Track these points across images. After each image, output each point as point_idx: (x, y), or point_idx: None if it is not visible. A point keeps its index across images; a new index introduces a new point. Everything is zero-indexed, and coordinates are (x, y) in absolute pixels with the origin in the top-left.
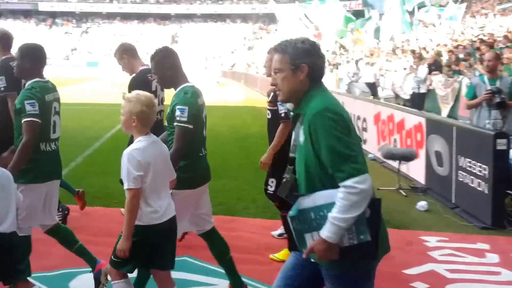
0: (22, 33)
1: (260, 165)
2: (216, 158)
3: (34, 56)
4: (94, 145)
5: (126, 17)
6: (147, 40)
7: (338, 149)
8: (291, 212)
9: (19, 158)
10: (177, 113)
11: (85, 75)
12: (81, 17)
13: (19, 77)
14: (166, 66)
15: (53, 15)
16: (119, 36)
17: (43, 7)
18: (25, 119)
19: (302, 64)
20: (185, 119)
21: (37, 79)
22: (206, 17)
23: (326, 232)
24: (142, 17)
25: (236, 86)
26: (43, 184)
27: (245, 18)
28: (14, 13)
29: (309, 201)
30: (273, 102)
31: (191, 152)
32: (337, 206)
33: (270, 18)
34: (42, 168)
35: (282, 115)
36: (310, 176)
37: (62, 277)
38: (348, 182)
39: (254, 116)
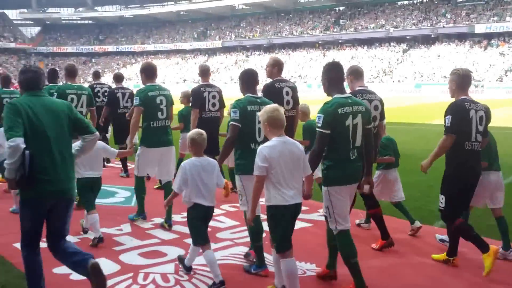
0: (456, 56)
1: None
2: None
3: (245, 79)
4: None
5: None
6: None
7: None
8: None
9: (222, 153)
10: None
11: None
12: None
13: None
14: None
15: (488, 36)
16: None
17: (479, 29)
18: (230, 123)
19: None
20: (319, 125)
21: (248, 94)
22: None
23: None
24: None
25: None
26: None
27: None
28: (450, 37)
29: None
30: None
31: (336, 155)
32: None
33: None
34: None
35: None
36: None
37: None
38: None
39: None
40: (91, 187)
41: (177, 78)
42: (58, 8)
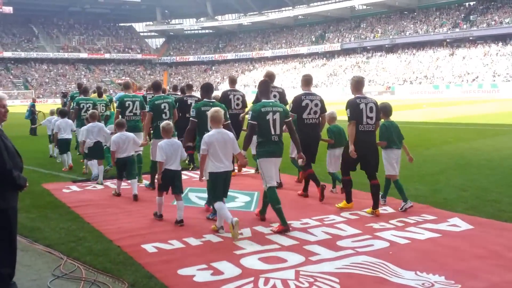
0: None
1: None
2: None
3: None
4: None
5: None
6: None
7: None
8: None
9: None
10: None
11: None
12: None
13: None
14: None
15: None
16: None
17: None
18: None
19: None
20: (250, 118)
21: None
22: None
23: None
24: None
25: None
26: None
27: None
28: None
29: None
30: None
31: (263, 137)
32: None
33: None
34: None
35: None
36: None
37: None
38: None
39: None
40: (124, 165)
41: (294, 83)
42: (181, 19)
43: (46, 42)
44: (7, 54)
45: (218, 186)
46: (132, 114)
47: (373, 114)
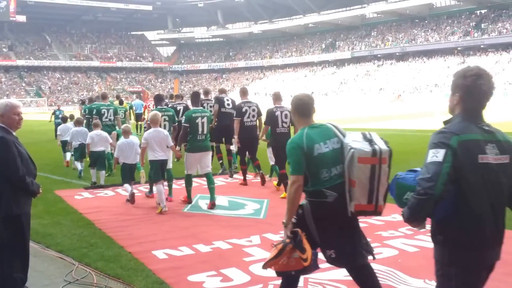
0: None
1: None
2: None
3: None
4: None
5: None
6: None
7: None
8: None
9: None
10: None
11: None
12: None
13: None
14: None
15: None
16: None
17: None
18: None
19: None
20: (183, 121)
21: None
22: None
23: None
24: None
25: None
26: None
27: None
28: None
29: None
30: None
31: (191, 136)
32: None
33: None
34: None
35: None
36: None
37: None
38: None
39: None
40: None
41: (304, 91)
42: (192, 28)
43: (59, 50)
44: (21, 62)
45: (157, 170)
46: (107, 120)
47: (287, 119)
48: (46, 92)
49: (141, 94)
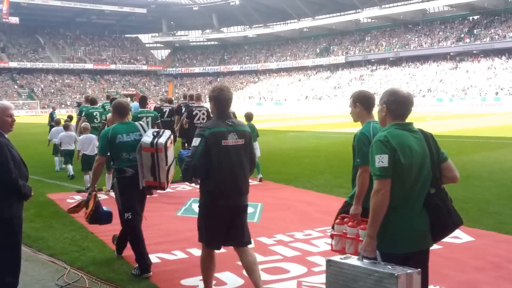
0: None
1: None
2: None
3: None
4: None
5: None
6: None
7: None
8: None
9: None
10: None
11: None
12: None
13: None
14: None
15: None
16: None
17: None
18: None
19: None
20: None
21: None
22: None
23: None
24: None
25: None
26: None
27: None
28: None
29: None
30: None
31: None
32: None
33: None
34: None
35: None
36: None
37: None
38: None
39: None
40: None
41: (298, 95)
42: (187, 31)
43: (52, 52)
44: (13, 64)
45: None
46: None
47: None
48: (38, 95)
49: (135, 97)
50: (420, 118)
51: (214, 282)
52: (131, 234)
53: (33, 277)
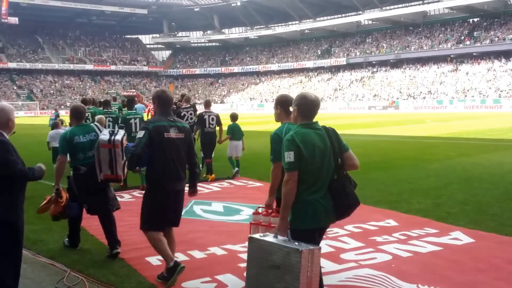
0: None
1: None
2: None
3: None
4: None
5: None
6: None
7: None
8: None
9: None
10: None
11: None
12: None
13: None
14: None
15: None
16: None
17: None
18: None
19: None
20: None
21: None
22: None
23: None
24: None
25: None
26: None
27: None
28: None
29: None
30: None
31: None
32: None
33: None
34: None
35: None
36: None
37: None
38: None
39: None
40: None
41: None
42: (188, 32)
43: (52, 53)
44: (12, 65)
45: None
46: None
47: (213, 122)
48: (38, 96)
49: (136, 98)
50: (420, 120)
51: (215, 284)
52: (72, 220)
53: (33, 280)
